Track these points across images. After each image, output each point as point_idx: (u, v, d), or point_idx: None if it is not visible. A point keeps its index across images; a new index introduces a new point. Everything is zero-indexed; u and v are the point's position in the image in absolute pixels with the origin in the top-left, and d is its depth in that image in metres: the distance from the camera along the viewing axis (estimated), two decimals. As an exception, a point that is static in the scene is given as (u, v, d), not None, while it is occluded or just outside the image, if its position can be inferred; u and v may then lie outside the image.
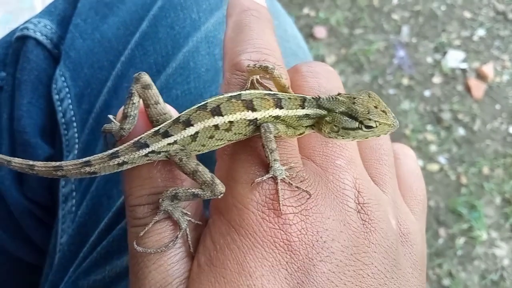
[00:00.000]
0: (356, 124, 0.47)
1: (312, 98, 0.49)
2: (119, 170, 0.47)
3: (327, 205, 0.45)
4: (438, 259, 2.13)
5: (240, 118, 0.47)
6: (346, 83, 2.54)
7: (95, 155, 0.47)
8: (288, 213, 0.43)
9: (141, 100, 0.49)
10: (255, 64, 0.48)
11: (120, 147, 0.47)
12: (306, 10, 2.83)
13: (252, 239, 0.42)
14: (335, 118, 0.48)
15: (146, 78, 0.49)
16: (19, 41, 0.76)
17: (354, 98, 0.48)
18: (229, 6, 0.55)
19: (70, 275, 0.64)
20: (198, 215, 0.49)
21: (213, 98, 0.47)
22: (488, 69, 2.61)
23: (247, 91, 0.48)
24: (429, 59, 2.65)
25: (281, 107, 0.48)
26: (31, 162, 0.47)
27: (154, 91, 0.48)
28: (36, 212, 0.77)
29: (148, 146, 0.46)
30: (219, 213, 0.45)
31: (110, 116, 0.52)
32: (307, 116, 0.48)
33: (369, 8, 2.82)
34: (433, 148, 2.39)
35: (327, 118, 0.48)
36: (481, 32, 2.78)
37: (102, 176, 0.66)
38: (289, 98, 0.48)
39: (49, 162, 0.47)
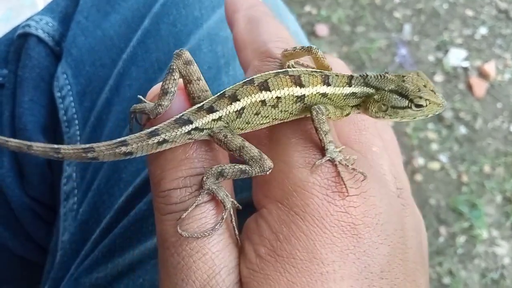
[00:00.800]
0: (406, 103, 0.46)
1: (360, 75, 0.48)
2: (157, 150, 0.44)
3: (377, 188, 0.44)
4: (438, 258, 2.14)
5: (288, 94, 0.45)
6: (347, 81, 2.54)
7: (131, 135, 0.44)
8: (352, 195, 0.42)
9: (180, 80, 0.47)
10: (295, 48, 0.47)
11: (160, 124, 0.44)
12: (307, 8, 2.82)
13: (320, 225, 0.41)
14: (384, 96, 0.47)
15: (187, 54, 0.47)
16: (21, 38, 0.76)
17: (403, 76, 0.47)
18: (230, 3, 0.54)
19: (72, 272, 0.64)
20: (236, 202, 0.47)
21: (259, 75, 0.46)
22: (490, 67, 2.60)
23: (293, 68, 0.47)
24: (431, 58, 2.64)
25: (328, 84, 0.46)
26: (56, 146, 0.44)
27: (196, 67, 0.47)
28: (37, 210, 0.77)
29: (191, 122, 0.44)
30: (275, 202, 0.43)
31: (140, 97, 0.50)
32: (353, 94, 0.47)
33: (371, 6, 2.82)
34: (434, 146, 2.39)
35: (375, 97, 0.47)
36: (483, 30, 2.77)
37: (103, 174, 0.67)
38: (336, 76, 0.47)
39: (78, 145, 0.45)
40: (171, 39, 0.70)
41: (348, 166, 0.43)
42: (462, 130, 2.44)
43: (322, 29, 2.75)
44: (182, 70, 0.46)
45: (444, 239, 2.20)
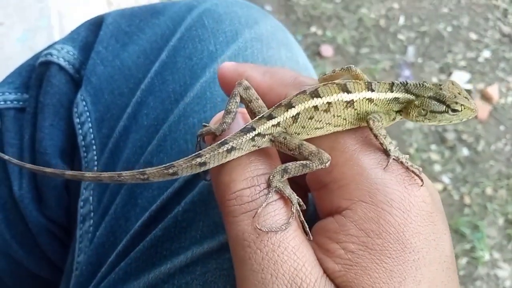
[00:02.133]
0: (444, 108, 0.51)
1: (400, 83, 0.53)
2: (227, 158, 0.49)
3: (429, 183, 0.49)
4: (440, 279, 2.15)
5: (338, 100, 0.50)
6: (351, 101, 2.57)
7: (204, 149, 0.50)
8: (424, 186, 0.47)
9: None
10: (334, 70, 0.54)
11: (227, 136, 0.50)
12: (313, 29, 2.87)
13: (406, 216, 0.44)
14: (424, 102, 0.52)
15: (246, 82, 0.54)
16: (43, 66, 0.80)
17: (440, 85, 0.53)
18: (233, 69, 0.57)
19: None
20: (302, 202, 0.50)
21: (309, 86, 0.52)
22: (493, 90, 2.64)
23: (338, 80, 0.52)
24: (435, 79, 2.68)
25: (372, 90, 0.51)
26: (141, 170, 0.50)
27: (253, 91, 0.54)
28: (53, 230, 0.80)
29: (254, 129, 0.50)
30: (359, 201, 0.46)
31: (204, 123, 0.57)
32: (396, 99, 0.52)
33: (376, 28, 2.87)
34: (437, 167, 2.41)
35: (416, 102, 0.52)
36: (486, 53, 2.81)
37: (120, 199, 0.70)
38: (378, 83, 0.53)
39: (160, 165, 0.50)
40: (186, 72, 0.73)
41: (408, 162, 0.48)
42: (465, 152, 2.46)
43: (327, 50, 2.79)
44: (242, 94, 0.53)
45: (446, 260, 2.21)
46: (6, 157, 0.58)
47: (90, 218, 0.73)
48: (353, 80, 0.52)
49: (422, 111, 0.52)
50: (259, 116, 0.51)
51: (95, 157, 0.75)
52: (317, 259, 0.45)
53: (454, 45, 2.82)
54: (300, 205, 0.49)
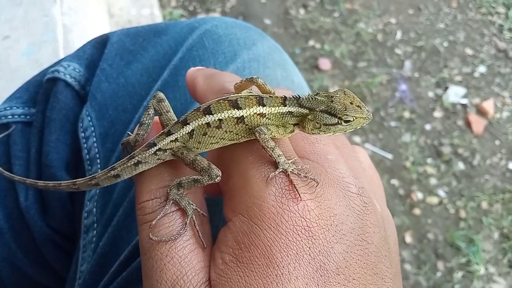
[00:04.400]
0: (336, 120, 0.53)
1: (293, 96, 0.54)
2: (136, 171, 0.54)
3: (332, 192, 0.49)
4: (436, 292, 2.16)
5: (228, 116, 0.52)
6: (349, 114, 2.61)
7: (118, 162, 0.55)
8: (306, 199, 0.47)
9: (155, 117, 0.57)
10: (241, 80, 0.55)
11: (137, 150, 0.54)
12: (311, 42, 2.92)
13: (275, 231, 0.45)
14: (317, 116, 0.53)
15: (161, 94, 0.58)
16: (50, 82, 0.83)
17: (332, 96, 0.54)
18: (190, 75, 0.62)
19: None
20: (203, 209, 0.54)
21: (205, 103, 0.54)
22: (489, 105, 2.68)
23: (233, 95, 0.54)
24: (431, 94, 2.72)
25: (263, 105, 0.53)
26: (73, 180, 0.58)
27: (167, 103, 0.57)
28: (57, 240, 0.83)
29: (155, 144, 0.53)
30: (238, 214, 0.48)
31: (128, 132, 0.61)
32: (290, 113, 0.53)
33: (373, 43, 2.91)
34: (433, 181, 2.44)
35: (309, 116, 0.53)
36: (482, 69, 2.86)
37: (123, 211, 0.72)
38: (270, 97, 0.54)
39: (86, 177, 0.57)
40: (187, 90, 0.77)
41: (300, 174, 0.49)
42: (461, 165, 2.49)
43: (325, 63, 2.84)
44: (155, 107, 0.57)
45: (442, 274, 2.22)
46: None
47: (93, 229, 0.76)
48: (246, 96, 0.54)
49: (317, 124, 0.53)
50: (162, 131, 0.55)
51: (99, 171, 0.78)
52: (208, 266, 0.48)
53: (450, 60, 2.86)
54: (202, 215, 0.53)
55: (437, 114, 2.65)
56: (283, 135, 0.54)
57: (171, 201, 0.51)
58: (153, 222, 0.49)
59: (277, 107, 0.53)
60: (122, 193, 0.75)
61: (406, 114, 2.64)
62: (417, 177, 2.44)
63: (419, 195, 2.39)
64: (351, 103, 0.53)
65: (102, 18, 2.79)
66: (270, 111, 0.53)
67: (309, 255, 0.45)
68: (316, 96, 0.54)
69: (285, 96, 0.54)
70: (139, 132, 0.57)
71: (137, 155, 0.53)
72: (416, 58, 2.87)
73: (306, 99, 0.54)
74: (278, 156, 0.50)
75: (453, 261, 2.24)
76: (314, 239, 0.46)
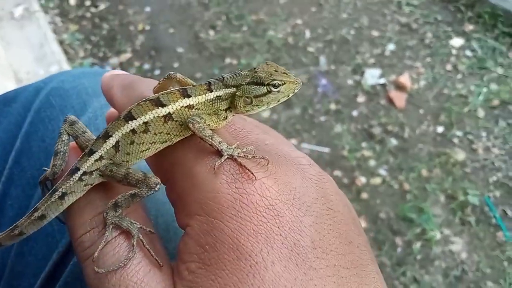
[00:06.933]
0: (265, 89, 0.50)
1: (217, 79, 0.51)
2: (63, 206, 0.47)
3: (284, 167, 0.45)
4: (400, 268, 2.19)
5: (154, 117, 0.48)
6: (279, 119, 2.64)
7: (40, 200, 0.48)
8: (261, 177, 0.43)
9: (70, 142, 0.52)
10: (159, 82, 0.51)
11: (58, 182, 0.48)
12: (228, 60, 2.95)
13: (238, 219, 0.41)
14: (244, 89, 0.50)
15: (72, 117, 0.52)
16: None
17: (255, 68, 0.51)
18: (105, 84, 0.57)
19: None
20: (148, 226, 0.48)
21: (125, 109, 0.49)
22: (405, 79, 2.79)
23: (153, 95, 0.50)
24: (350, 81, 2.81)
25: (189, 96, 0.49)
26: None
27: (81, 124, 0.52)
28: None
29: (79, 169, 0.48)
30: (194, 216, 0.43)
31: (44, 168, 0.55)
32: (219, 98, 0.50)
33: (286, 46, 2.98)
34: (372, 163, 2.50)
35: (237, 93, 0.50)
36: (391, 46, 2.99)
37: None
38: (194, 86, 0.50)
39: (7, 229, 0.50)
40: (41, 154, 0.74)
41: (248, 156, 0.45)
42: (393, 142, 2.57)
43: (245, 77, 2.87)
44: (69, 131, 0.52)
45: (402, 248, 2.26)
46: None
47: None
48: (167, 92, 0.50)
49: (247, 99, 0.50)
50: (83, 153, 0.49)
51: None
52: (173, 283, 0.44)
53: (360, 46, 2.97)
54: (150, 232, 0.47)
55: (360, 99, 2.73)
56: (218, 123, 0.50)
57: (111, 226, 0.45)
58: (95, 255, 0.44)
59: (204, 95, 0.50)
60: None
61: (333, 106, 2.70)
62: (357, 163, 2.49)
63: (362, 180, 2.44)
64: (276, 71, 0.51)
65: (11, 86, 2.70)
66: (197, 100, 0.49)
67: (280, 235, 0.41)
68: (239, 72, 0.51)
69: (209, 81, 0.51)
70: (55, 163, 0.51)
71: (60, 186, 0.47)
72: (329, 51, 2.96)
73: (230, 77, 0.51)
74: (219, 143, 0.46)
75: (409, 233, 2.28)
76: (281, 216, 0.42)
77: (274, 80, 0.50)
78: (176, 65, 2.93)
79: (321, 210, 0.44)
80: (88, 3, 3.30)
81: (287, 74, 0.52)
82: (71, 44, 3.06)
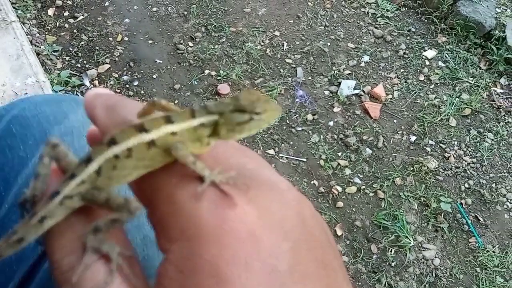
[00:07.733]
0: (247, 116, 0.50)
1: (200, 107, 0.51)
2: (44, 229, 0.47)
3: (265, 193, 0.46)
4: (376, 275, 2.24)
5: (137, 143, 0.47)
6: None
7: (19, 223, 0.47)
8: (242, 204, 0.43)
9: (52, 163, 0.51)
10: (143, 107, 0.51)
11: (38, 206, 0.47)
12: (207, 71, 2.98)
13: (218, 244, 0.41)
14: (227, 117, 0.50)
15: (54, 140, 0.52)
16: None
17: (237, 97, 0.51)
18: (88, 103, 0.57)
19: None
20: (128, 250, 0.48)
21: (108, 134, 0.48)
22: (379, 89, 2.86)
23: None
24: (327, 92, 2.86)
25: (172, 122, 0.49)
26: None
27: (63, 147, 0.52)
28: None
29: (59, 193, 0.47)
30: (175, 241, 0.43)
31: (23, 190, 0.54)
32: (202, 125, 0.50)
33: (264, 58, 3.03)
34: (347, 171, 2.55)
35: (220, 120, 0.50)
36: (366, 58, 3.06)
37: None
38: (177, 113, 0.50)
39: None
40: (0, 183, 0.74)
41: (230, 182, 0.45)
42: (368, 151, 2.63)
43: (224, 88, 2.90)
44: (51, 154, 0.51)
45: (377, 256, 2.31)
46: None
47: None
48: (151, 118, 0.50)
49: (230, 126, 0.51)
50: (65, 177, 0.49)
51: None
52: None
53: (336, 57, 3.04)
54: (128, 255, 0.48)
55: (336, 109, 2.79)
56: (201, 149, 0.50)
57: (89, 250, 0.45)
58: (74, 280, 0.43)
59: (188, 122, 0.49)
60: None
61: (309, 117, 2.75)
62: (333, 171, 2.54)
63: (338, 188, 2.48)
64: (258, 99, 0.51)
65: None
66: (181, 127, 0.49)
67: (258, 260, 0.41)
68: (222, 100, 0.51)
69: (192, 109, 0.51)
70: (35, 186, 0.50)
71: (39, 210, 0.46)
72: (306, 62, 3.01)
73: (213, 105, 0.51)
74: (202, 169, 0.46)
75: (384, 240, 2.33)
76: (260, 242, 0.42)
77: (256, 107, 0.50)
78: (155, 76, 2.95)
79: (299, 235, 0.45)
80: (66, 14, 3.30)
81: (268, 102, 0.52)
82: (49, 55, 3.05)
